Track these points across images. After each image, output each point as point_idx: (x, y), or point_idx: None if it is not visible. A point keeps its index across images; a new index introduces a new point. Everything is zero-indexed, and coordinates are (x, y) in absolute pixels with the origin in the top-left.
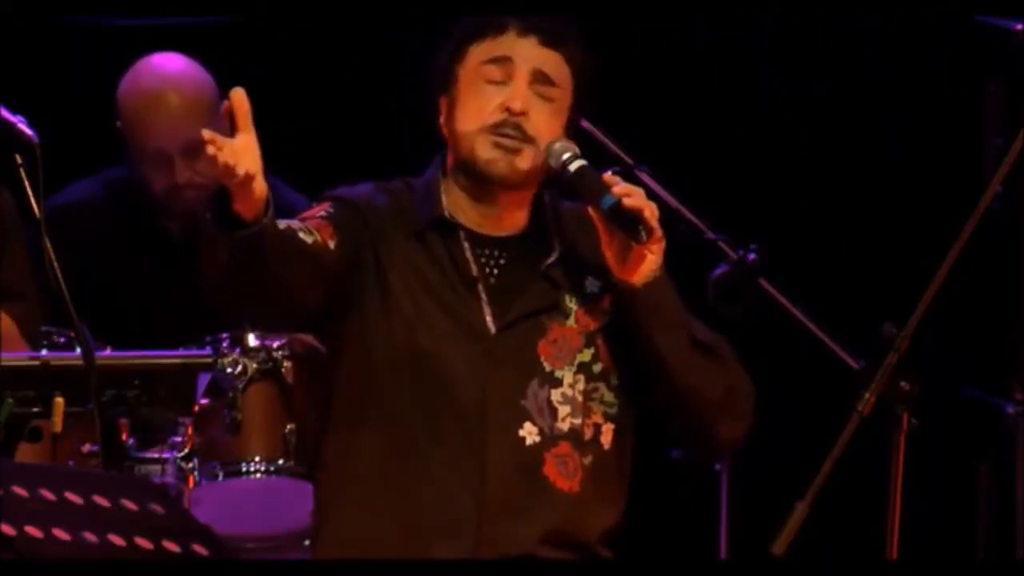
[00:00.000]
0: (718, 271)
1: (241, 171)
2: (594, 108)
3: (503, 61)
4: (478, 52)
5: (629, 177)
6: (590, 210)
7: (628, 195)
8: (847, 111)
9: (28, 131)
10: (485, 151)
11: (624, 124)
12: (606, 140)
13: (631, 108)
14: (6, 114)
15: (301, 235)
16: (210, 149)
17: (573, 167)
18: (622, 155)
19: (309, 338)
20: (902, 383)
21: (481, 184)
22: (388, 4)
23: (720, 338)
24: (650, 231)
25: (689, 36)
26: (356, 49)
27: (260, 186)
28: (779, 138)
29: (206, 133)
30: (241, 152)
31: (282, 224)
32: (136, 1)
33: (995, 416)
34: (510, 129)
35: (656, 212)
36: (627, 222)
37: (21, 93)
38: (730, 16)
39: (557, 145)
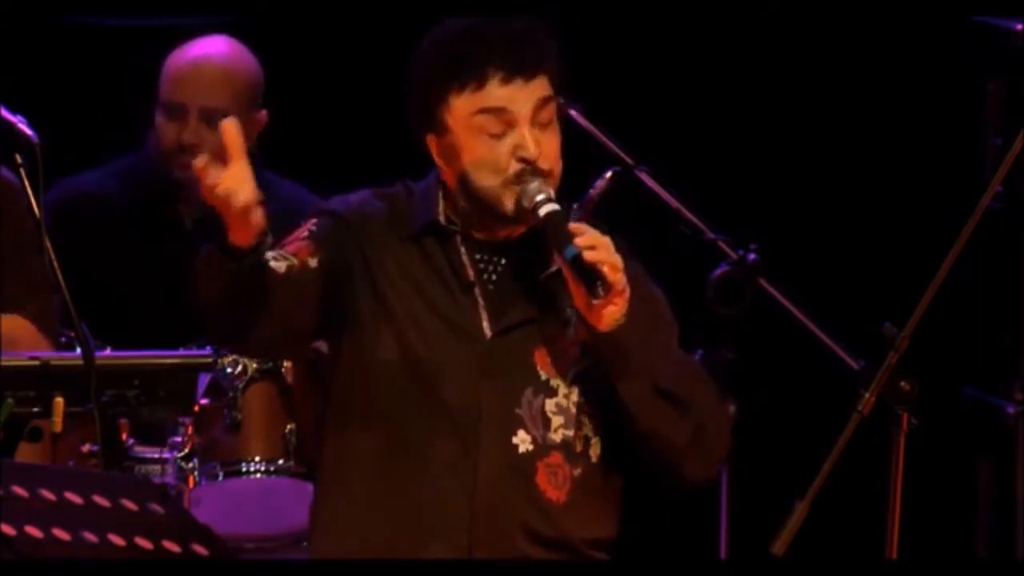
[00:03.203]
0: (718, 271)
1: (239, 200)
2: (594, 107)
3: (498, 112)
4: (463, 102)
5: (629, 177)
6: (556, 257)
7: (591, 248)
8: (847, 111)
9: (28, 131)
10: (512, 205)
11: (624, 124)
12: (605, 139)
13: (631, 108)
14: (6, 114)
15: (273, 264)
16: (209, 180)
17: (542, 211)
18: (622, 155)
19: None
20: (902, 383)
21: (506, 224)
22: (389, 4)
23: (693, 373)
24: (608, 288)
25: (689, 36)
26: (357, 49)
27: (257, 216)
28: (779, 138)
29: (199, 161)
30: (238, 182)
31: None
32: (136, 1)
33: (995, 416)
34: (529, 176)
35: (619, 265)
36: (585, 276)
37: (21, 93)
38: (730, 15)
39: (532, 186)
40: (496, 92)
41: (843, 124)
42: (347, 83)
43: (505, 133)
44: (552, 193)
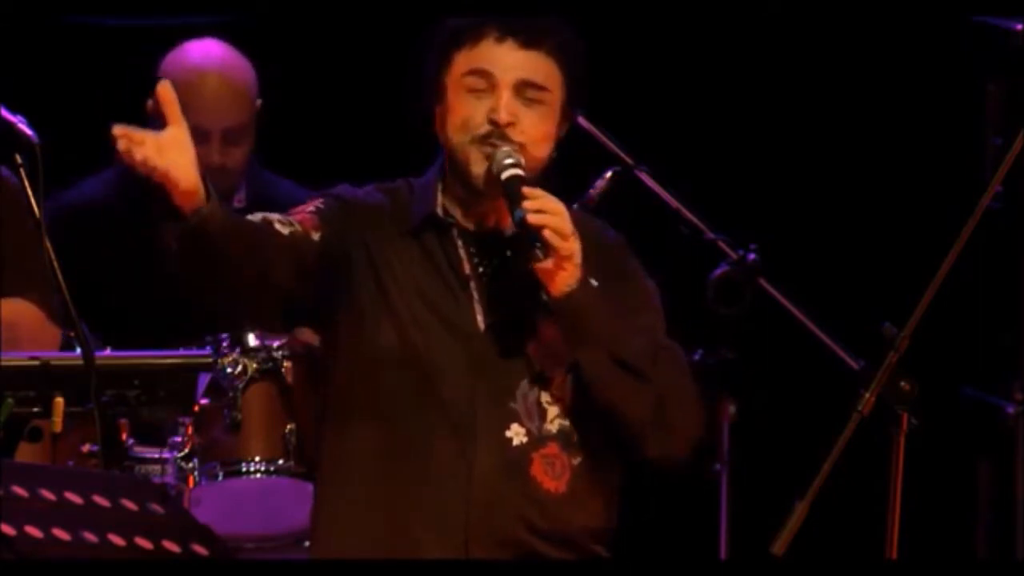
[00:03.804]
0: (718, 271)
1: (160, 165)
2: (594, 107)
3: (483, 73)
4: (460, 60)
5: (629, 177)
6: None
7: (538, 211)
8: (847, 111)
9: (28, 131)
10: (477, 165)
11: (624, 124)
12: (606, 139)
13: (631, 108)
14: (6, 114)
15: (277, 226)
16: (122, 144)
17: (504, 175)
18: (622, 155)
19: (308, 337)
20: (902, 383)
21: (476, 194)
22: (389, 4)
23: (665, 354)
24: (547, 251)
25: (690, 36)
26: (357, 48)
27: (188, 179)
28: (779, 138)
29: (118, 128)
30: (167, 146)
31: (257, 216)
32: (136, 1)
33: (995, 416)
34: (496, 139)
35: (566, 232)
36: (528, 237)
37: (21, 93)
38: (730, 15)
39: (503, 151)
40: (487, 51)
41: (843, 124)
42: (347, 83)
43: (486, 94)
44: (522, 161)
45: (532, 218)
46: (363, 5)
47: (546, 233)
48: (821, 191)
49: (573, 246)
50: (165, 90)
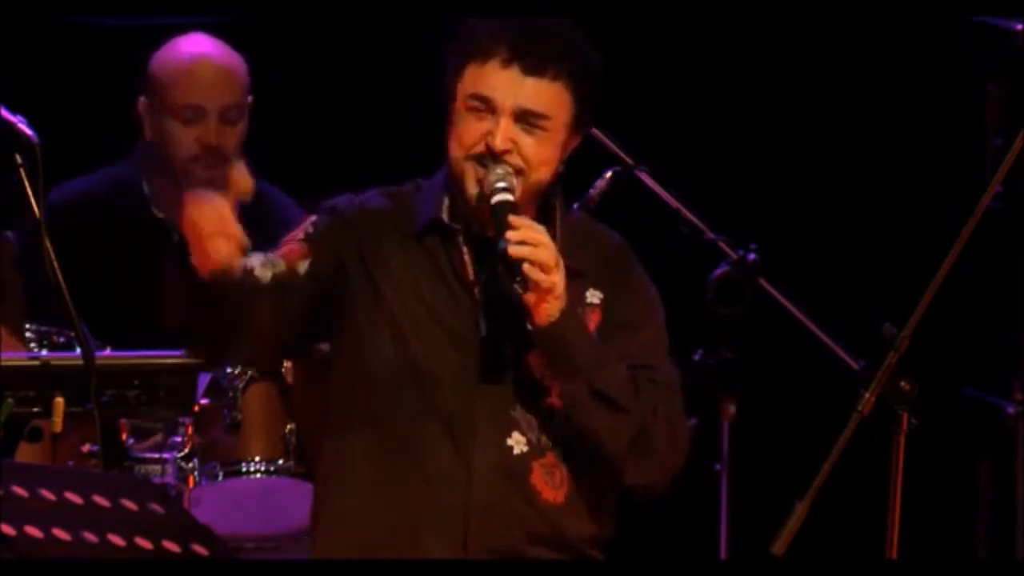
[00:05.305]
0: (718, 271)
1: (202, 229)
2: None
3: (485, 99)
4: (468, 75)
5: (629, 177)
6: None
7: (519, 243)
8: (848, 111)
9: (28, 131)
10: (470, 184)
11: (624, 124)
12: (606, 140)
13: (631, 108)
14: (6, 114)
15: (257, 272)
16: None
17: (494, 200)
18: (622, 155)
19: None
20: (902, 383)
21: (469, 209)
22: (389, 4)
23: (651, 382)
24: (526, 284)
25: (689, 36)
26: (358, 49)
27: (218, 249)
28: (779, 138)
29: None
30: (209, 211)
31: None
32: (136, 1)
33: (995, 416)
34: (491, 161)
35: (548, 265)
36: (510, 268)
37: (21, 93)
38: (730, 15)
39: (496, 173)
40: (492, 75)
41: (843, 124)
42: (348, 83)
43: (487, 115)
44: (513, 183)
45: (513, 250)
46: (363, 6)
47: (526, 267)
48: (821, 191)
49: (554, 279)
50: (240, 171)
